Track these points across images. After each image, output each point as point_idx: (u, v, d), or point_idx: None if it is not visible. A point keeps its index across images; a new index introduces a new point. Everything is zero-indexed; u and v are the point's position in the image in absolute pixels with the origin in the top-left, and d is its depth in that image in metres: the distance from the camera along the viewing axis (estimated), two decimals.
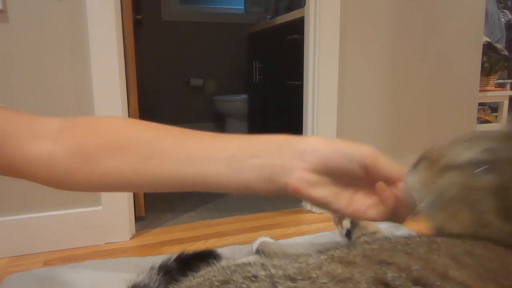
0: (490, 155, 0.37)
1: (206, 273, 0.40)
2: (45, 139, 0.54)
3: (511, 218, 0.37)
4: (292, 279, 0.35)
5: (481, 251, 0.37)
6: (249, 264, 0.40)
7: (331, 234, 0.99)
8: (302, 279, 0.34)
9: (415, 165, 0.47)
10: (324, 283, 0.33)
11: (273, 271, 0.37)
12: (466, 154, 0.40)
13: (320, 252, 0.43)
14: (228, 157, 0.52)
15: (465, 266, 0.34)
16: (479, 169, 0.38)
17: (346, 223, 0.90)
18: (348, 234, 0.90)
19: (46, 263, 1.32)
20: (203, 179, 0.53)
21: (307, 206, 1.81)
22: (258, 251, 0.85)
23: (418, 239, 0.42)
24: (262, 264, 0.39)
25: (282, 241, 0.94)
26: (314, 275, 0.35)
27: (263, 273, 0.37)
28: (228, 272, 0.39)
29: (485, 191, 0.38)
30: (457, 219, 0.41)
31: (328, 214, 1.74)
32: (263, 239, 0.89)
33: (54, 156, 0.53)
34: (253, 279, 0.36)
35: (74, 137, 0.55)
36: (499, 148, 0.38)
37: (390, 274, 0.33)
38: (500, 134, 0.39)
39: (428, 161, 0.45)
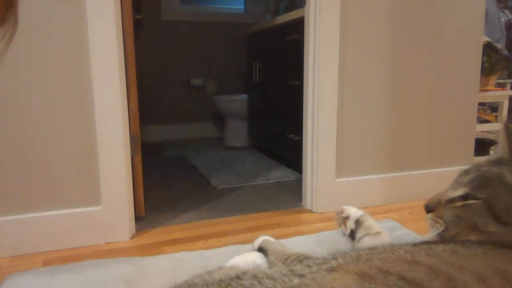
0: (468, 188, 0.52)
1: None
2: None
3: (502, 221, 0.48)
4: None
5: (506, 266, 0.38)
6: (238, 277, 0.39)
7: (335, 233, 0.99)
8: None
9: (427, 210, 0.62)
10: None
11: (269, 285, 0.37)
12: (455, 192, 0.55)
13: (325, 260, 0.43)
14: None
15: (491, 286, 0.35)
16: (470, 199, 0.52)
17: (350, 224, 0.90)
18: (352, 234, 0.90)
19: (46, 263, 1.32)
20: None
21: (307, 206, 1.81)
22: (260, 249, 0.86)
23: (439, 249, 0.43)
24: (254, 276, 0.39)
25: (285, 240, 0.94)
26: None
27: (259, 286, 0.37)
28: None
29: (480, 208, 0.50)
30: (467, 231, 0.51)
31: (327, 214, 1.74)
32: (265, 237, 0.89)
33: None
34: None
35: None
36: (472, 181, 0.53)
37: None
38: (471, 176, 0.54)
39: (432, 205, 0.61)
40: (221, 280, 0.41)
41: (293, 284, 0.38)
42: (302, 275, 0.39)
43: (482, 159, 0.60)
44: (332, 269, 0.39)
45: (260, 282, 0.38)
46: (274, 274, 0.40)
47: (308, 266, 0.43)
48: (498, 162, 0.52)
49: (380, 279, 0.36)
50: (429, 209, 0.59)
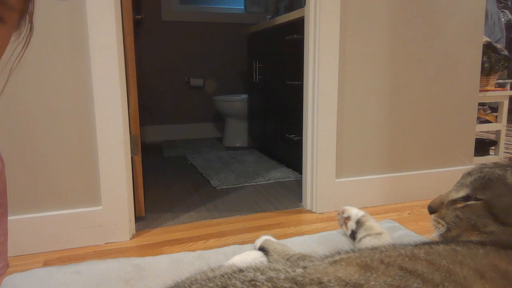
0: (470, 190, 0.54)
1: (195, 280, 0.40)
2: None
3: (501, 221, 0.49)
4: (298, 283, 0.34)
5: (508, 267, 0.38)
6: (241, 270, 0.40)
7: (335, 233, 0.99)
8: (311, 284, 0.34)
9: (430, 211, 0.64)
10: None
11: (272, 274, 0.37)
12: (458, 194, 0.56)
13: (327, 256, 0.43)
14: None
15: (490, 281, 0.35)
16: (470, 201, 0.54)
17: (351, 224, 0.90)
18: (353, 235, 0.90)
19: (46, 263, 1.32)
20: None
21: (307, 206, 1.81)
22: (261, 249, 0.86)
23: (439, 248, 0.43)
24: (257, 269, 0.39)
25: (285, 241, 0.94)
26: (324, 280, 0.34)
27: (262, 277, 0.37)
28: (219, 278, 0.39)
29: (479, 209, 0.51)
30: (468, 231, 0.52)
31: (327, 214, 1.73)
32: (267, 237, 0.89)
33: None
34: (252, 282, 0.36)
35: None
36: (473, 182, 0.55)
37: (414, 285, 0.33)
38: (471, 178, 0.57)
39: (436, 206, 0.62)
40: (224, 274, 0.41)
41: (297, 273, 0.38)
42: (305, 267, 0.40)
43: (483, 159, 0.62)
44: (334, 262, 0.40)
45: (263, 273, 0.39)
46: (277, 266, 0.40)
47: (311, 261, 0.43)
48: (504, 165, 0.53)
49: (382, 270, 0.36)
50: (432, 210, 0.60)
